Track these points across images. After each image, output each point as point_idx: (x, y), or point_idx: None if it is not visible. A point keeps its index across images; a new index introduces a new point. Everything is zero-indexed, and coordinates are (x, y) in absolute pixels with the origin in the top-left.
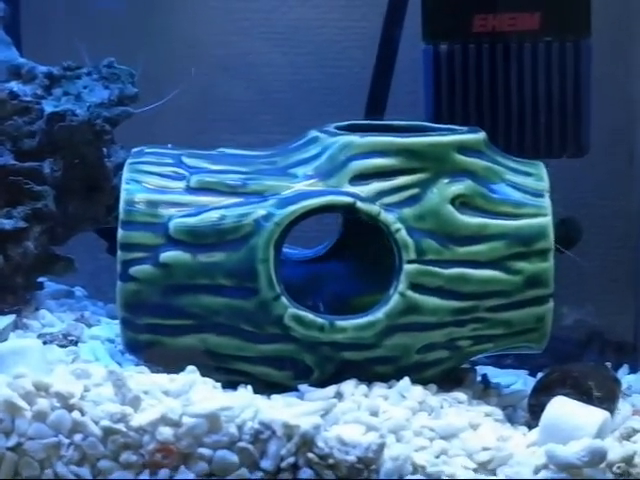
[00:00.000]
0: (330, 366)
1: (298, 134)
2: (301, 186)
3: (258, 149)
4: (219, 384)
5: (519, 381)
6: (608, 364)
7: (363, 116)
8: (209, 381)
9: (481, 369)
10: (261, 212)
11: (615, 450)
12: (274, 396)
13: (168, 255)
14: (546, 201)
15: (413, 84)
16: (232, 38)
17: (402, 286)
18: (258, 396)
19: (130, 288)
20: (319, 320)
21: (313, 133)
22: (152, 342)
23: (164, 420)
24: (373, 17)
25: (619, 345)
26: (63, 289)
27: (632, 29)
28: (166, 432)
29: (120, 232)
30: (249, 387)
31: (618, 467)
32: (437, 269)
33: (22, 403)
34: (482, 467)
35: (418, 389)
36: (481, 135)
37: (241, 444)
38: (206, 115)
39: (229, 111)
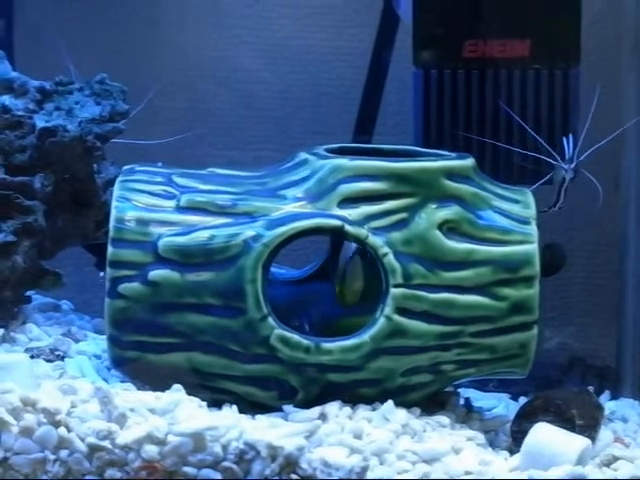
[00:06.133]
0: (315, 387)
1: (287, 151)
2: (290, 208)
3: (248, 169)
4: (205, 403)
5: (501, 405)
6: (591, 388)
7: (352, 135)
8: (195, 400)
9: (464, 392)
10: (250, 233)
11: (595, 477)
12: (259, 416)
13: (157, 273)
14: (532, 228)
15: (400, 104)
16: (223, 54)
17: (388, 309)
18: (243, 416)
19: (118, 305)
20: (305, 341)
21: (303, 155)
22: (139, 359)
23: (149, 438)
24: (363, 37)
25: (601, 370)
26: (50, 302)
27: (620, 56)
28: (151, 450)
29: (110, 249)
30: (234, 407)
31: None
32: (423, 293)
33: (9, 418)
34: None
35: (402, 412)
36: (469, 161)
37: (225, 464)
38: (196, 130)
39: (219, 126)
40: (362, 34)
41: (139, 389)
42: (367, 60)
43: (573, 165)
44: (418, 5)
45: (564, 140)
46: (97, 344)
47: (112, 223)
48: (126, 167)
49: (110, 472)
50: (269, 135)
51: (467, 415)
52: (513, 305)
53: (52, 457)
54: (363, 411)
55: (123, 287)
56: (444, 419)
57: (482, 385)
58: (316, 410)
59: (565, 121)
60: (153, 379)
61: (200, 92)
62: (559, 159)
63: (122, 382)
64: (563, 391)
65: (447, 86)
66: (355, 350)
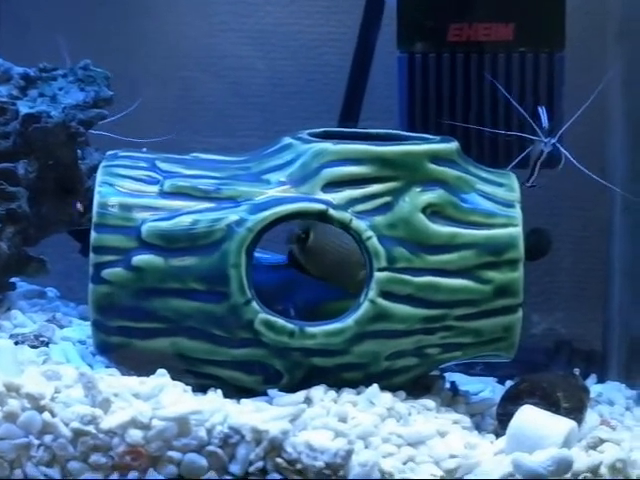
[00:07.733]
0: (299, 371)
1: (274, 138)
2: (274, 192)
3: (232, 154)
4: (189, 388)
5: (487, 389)
6: (577, 371)
7: (338, 121)
8: (179, 384)
9: (450, 376)
10: (234, 217)
11: (581, 460)
12: (244, 400)
13: (140, 258)
14: (517, 211)
15: (388, 89)
16: (210, 41)
17: (372, 293)
18: (228, 400)
19: (102, 291)
20: (289, 326)
21: (287, 140)
22: (123, 344)
23: (134, 423)
24: (350, 23)
25: (587, 354)
26: (35, 289)
27: (606, 41)
28: (136, 435)
29: (93, 235)
30: (219, 391)
31: (584, 477)
32: (407, 277)
33: None
34: (449, 474)
35: (387, 396)
36: (454, 145)
37: (210, 448)
38: (183, 117)
39: (206, 114)
40: (349, 20)
41: (124, 374)
42: (354, 46)
43: (553, 140)
44: None
45: (539, 110)
46: (82, 330)
47: (95, 208)
48: (109, 152)
49: (94, 457)
50: (257, 122)
51: (453, 399)
52: (498, 288)
53: (36, 442)
54: (348, 395)
55: (107, 272)
56: (430, 402)
57: (468, 369)
58: (301, 394)
59: (550, 105)
60: (138, 364)
61: (187, 79)
62: (539, 131)
63: (107, 368)
64: (549, 374)
65: (432, 70)
66: (339, 334)
